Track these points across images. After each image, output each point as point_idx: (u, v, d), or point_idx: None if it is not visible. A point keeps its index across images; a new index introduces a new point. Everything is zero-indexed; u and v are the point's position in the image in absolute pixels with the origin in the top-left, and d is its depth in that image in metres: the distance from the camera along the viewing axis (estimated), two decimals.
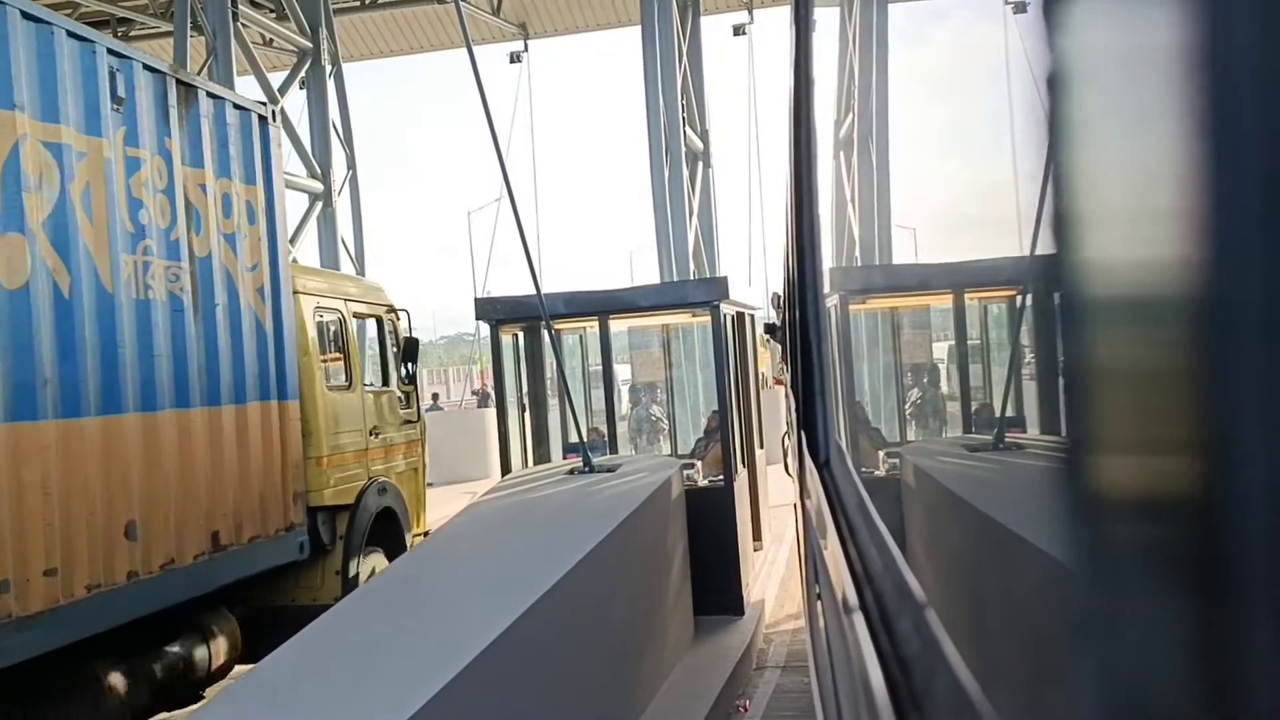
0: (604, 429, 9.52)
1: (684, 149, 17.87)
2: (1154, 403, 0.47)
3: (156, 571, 6.33)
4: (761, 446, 10.94)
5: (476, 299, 9.24)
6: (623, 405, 12.80)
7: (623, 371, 12.80)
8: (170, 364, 6.59)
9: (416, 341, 10.01)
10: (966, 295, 1.45)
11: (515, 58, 23.38)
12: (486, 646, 3.97)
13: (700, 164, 19.73)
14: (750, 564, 9.14)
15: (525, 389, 9.64)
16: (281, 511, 7.67)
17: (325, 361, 8.54)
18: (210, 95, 7.36)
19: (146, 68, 6.65)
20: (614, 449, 8.92)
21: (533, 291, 7.62)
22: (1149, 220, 0.45)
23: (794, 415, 5.92)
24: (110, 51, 6.32)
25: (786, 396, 10.76)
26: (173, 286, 6.69)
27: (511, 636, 4.20)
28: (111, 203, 6.15)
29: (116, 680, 6.21)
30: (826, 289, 3.24)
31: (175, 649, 6.83)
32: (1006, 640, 0.96)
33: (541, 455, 9.40)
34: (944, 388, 1.73)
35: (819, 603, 2.94)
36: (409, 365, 9.78)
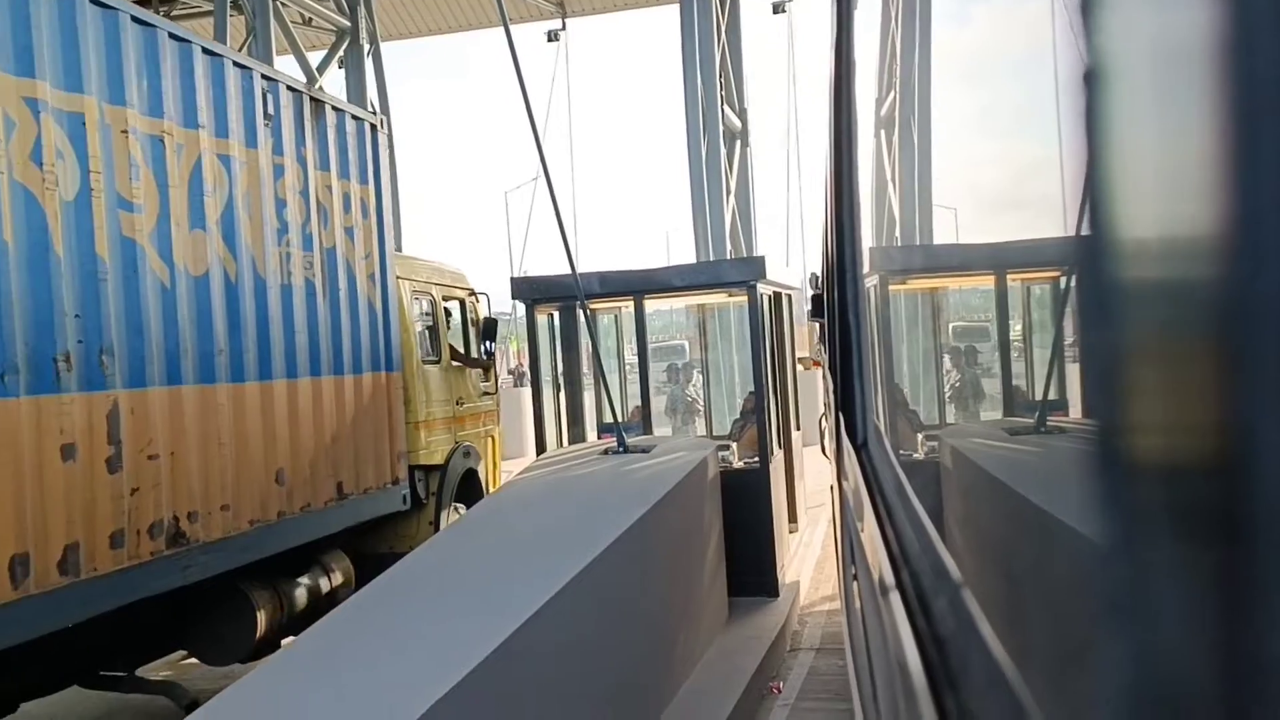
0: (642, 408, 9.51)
1: (722, 128, 17.75)
2: (1199, 388, 0.46)
3: (298, 513, 7.61)
4: (798, 428, 10.92)
5: (512, 278, 9.28)
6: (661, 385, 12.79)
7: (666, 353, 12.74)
8: (306, 339, 7.84)
9: (495, 322, 11.14)
10: (1008, 277, 1.44)
11: (553, 36, 23.29)
12: (520, 626, 4.01)
13: (738, 143, 19.57)
14: (785, 546, 9.14)
15: (560, 369, 9.70)
16: (389, 467, 8.87)
17: (421, 335, 9.80)
18: (334, 108, 8.60)
19: (289, 88, 7.94)
20: (650, 429, 8.94)
21: (568, 271, 7.65)
22: (1196, 202, 0.44)
23: (832, 397, 5.93)
24: (263, 76, 7.63)
25: (824, 378, 10.73)
26: (308, 273, 7.93)
27: (545, 616, 4.23)
28: (264, 203, 7.42)
29: (261, 601, 7.30)
30: (866, 270, 3.21)
31: (304, 580, 7.90)
32: (1042, 622, 0.96)
33: (576, 435, 9.46)
34: (983, 370, 1.72)
35: (855, 583, 2.94)
36: (488, 343, 10.88)
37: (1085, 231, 0.66)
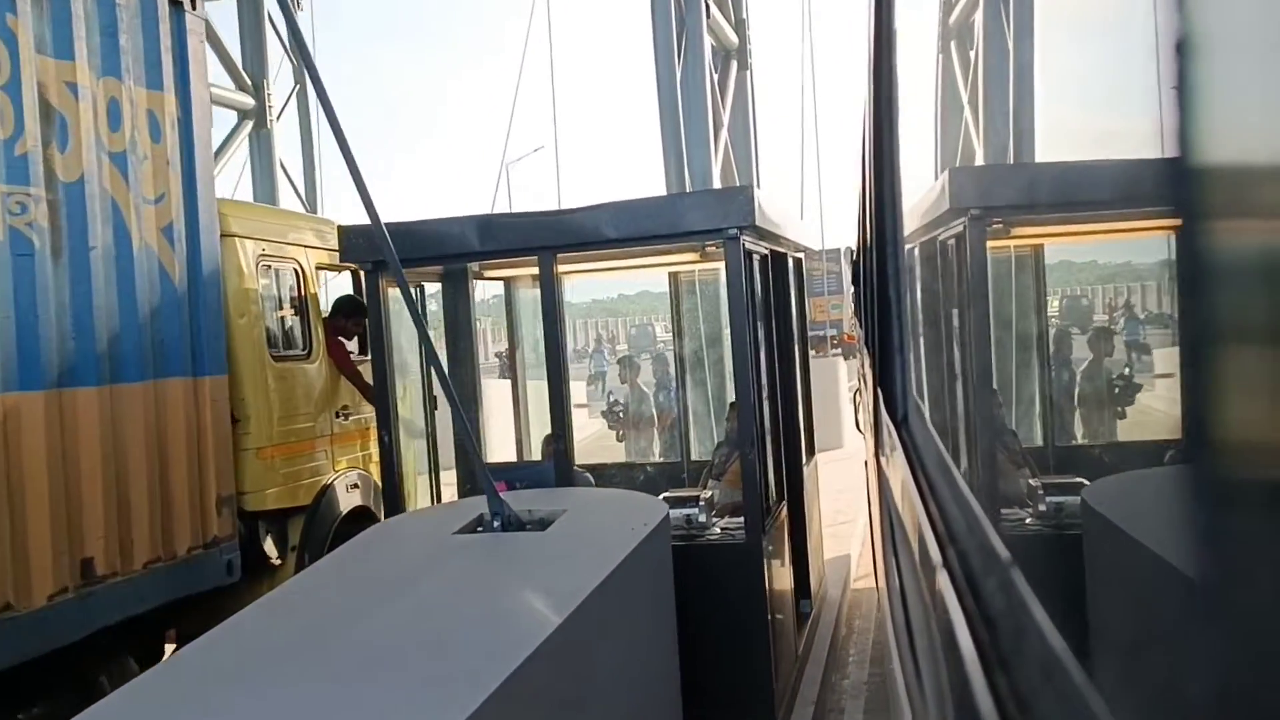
0: (570, 435, 6.63)
1: (708, 41, 14.16)
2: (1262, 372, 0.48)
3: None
4: (813, 454, 7.96)
5: (341, 228, 6.24)
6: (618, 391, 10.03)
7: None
8: (12, 329, 5.16)
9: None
10: (1095, 235, 1.34)
11: None
12: None
13: (734, 64, 16.21)
14: (790, 650, 6.19)
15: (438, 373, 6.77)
16: (197, 524, 6.23)
17: (279, 320, 7.35)
18: None
19: None
20: (569, 469, 5.92)
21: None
22: None
23: (869, 371, 5.39)
24: None
25: (859, 352, 10.30)
26: (16, 220, 5.23)
27: None
28: None
29: None
30: (908, 231, 3.10)
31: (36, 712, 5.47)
32: (1095, 601, 1.04)
33: (467, 477, 6.48)
34: (1035, 343, 1.76)
35: (895, 560, 2.86)
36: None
37: (1161, 189, 0.61)
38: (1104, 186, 1.02)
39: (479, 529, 4.57)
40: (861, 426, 7.55)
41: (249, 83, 15.52)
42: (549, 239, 5.54)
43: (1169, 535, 0.61)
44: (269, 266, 7.20)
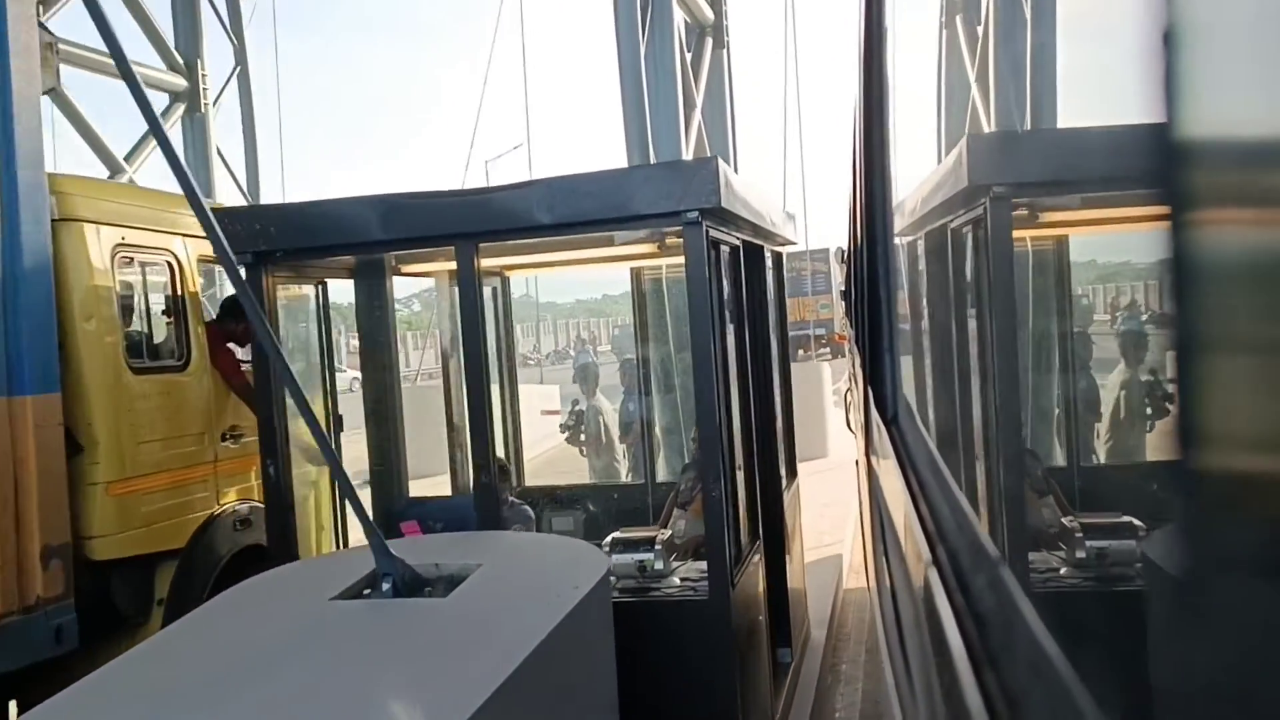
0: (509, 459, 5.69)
1: (676, 13, 12.93)
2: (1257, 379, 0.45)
3: None
4: (795, 475, 7.03)
5: (215, 211, 5.26)
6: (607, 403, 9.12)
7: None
8: None
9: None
10: (1089, 231, 1.48)
11: None
12: None
13: (709, 42, 15.17)
14: (765, 717, 5.24)
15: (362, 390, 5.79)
16: (11, 584, 5.12)
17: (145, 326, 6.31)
18: None
19: None
20: (494, 509, 4.94)
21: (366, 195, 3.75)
22: None
23: (859, 370, 5.26)
24: None
25: (850, 352, 10.28)
26: None
27: None
28: None
29: None
30: (898, 226, 3.06)
31: None
32: (1082, 598, 1.12)
33: (388, 509, 5.50)
34: (1019, 340, 1.69)
35: (885, 560, 2.91)
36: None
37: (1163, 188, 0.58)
38: (1156, 159, 0.74)
39: (366, 591, 3.60)
40: (853, 426, 7.57)
41: (181, 63, 14.47)
42: (467, 224, 4.54)
43: (1154, 536, 0.62)
44: (131, 259, 6.00)
